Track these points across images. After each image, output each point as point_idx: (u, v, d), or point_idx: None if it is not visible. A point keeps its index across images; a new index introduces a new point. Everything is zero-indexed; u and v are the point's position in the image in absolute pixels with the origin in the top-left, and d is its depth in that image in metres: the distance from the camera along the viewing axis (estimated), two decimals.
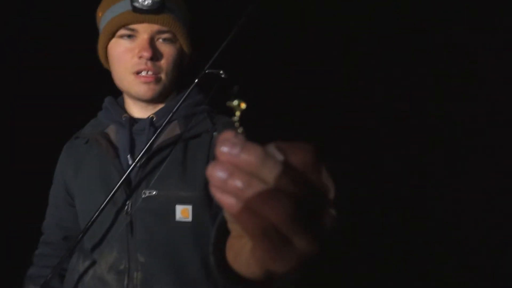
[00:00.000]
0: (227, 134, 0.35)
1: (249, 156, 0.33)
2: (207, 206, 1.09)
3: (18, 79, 2.10)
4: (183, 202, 1.08)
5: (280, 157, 0.35)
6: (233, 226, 0.43)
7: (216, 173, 0.34)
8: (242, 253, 0.42)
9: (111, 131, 1.19)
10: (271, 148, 0.36)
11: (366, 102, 2.84)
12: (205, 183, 1.09)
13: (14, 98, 2.07)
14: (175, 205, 1.08)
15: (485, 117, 2.69)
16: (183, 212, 1.08)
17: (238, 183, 0.33)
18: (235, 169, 0.34)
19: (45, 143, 1.69)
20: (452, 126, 2.83)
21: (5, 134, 2.02)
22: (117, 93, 1.26)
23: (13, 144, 2.05)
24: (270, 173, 0.34)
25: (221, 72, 1.03)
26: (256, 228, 0.34)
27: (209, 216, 1.10)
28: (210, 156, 1.12)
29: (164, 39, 1.13)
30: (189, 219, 1.08)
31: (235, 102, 0.37)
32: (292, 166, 0.36)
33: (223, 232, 0.48)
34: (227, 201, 0.34)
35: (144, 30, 1.10)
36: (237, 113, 0.37)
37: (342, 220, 0.40)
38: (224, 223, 0.47)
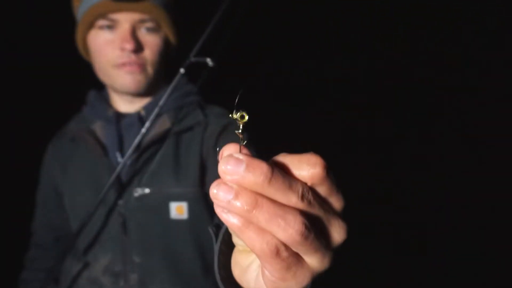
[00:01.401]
0: (230, 148, 0.34)
1: (254, 175, 0.32)
2: (203, 202, 1.06)
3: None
4: (177, 199, 1.04)
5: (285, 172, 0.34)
6: (238, 241, 0.41)
7: (220, 194, 0.32)
8: (250, 271, 0.40)
9: (98, 127, 1.13)
10: (276, 162, 0.34)
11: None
12: (200, 178, 1.06)
13: None
14: (169, 202, 1.04)
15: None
16: (178, 209, 1.04)
17: (244, 204, 0.32)
18: (240, 189, 0.32)
19: (27, 141, 1.63)
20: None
21: None
22: (100, 86, 1.20)
23: None
24: (277, 191, 0.32)
25: (208, 59, 0.97)
26: (264, 247, 0.33)
27: (206, 213, 1.06)
28: (203, 150, 1.07)
29: (147, 29, 1.06)
30: (185, 216, 1.04)
31: (238, 114, 0.35)
32: (299, 180, 0.34)
33: (227, 245, 0.46)
34: (232, 221, 0.33)
35: (124, 19, 1.02)
36: (241, 125, 0.36)
37: (351, 231, 0.38)
38: (228, 235, 0.46)
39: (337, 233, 0.36)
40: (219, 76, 0.95)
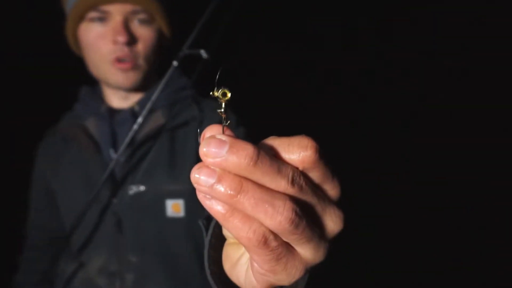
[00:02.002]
0: (213, 129, 0.32)
1: (238, 157, 0.29)
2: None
3: None
4: (173, 196, 1.01)
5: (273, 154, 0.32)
6: (228, 232, 0.39)
7: (202, 179, 0.30)
8: (240, 264, 0.38)
9: (90, 124, 1.10)
10: (264, 145, 0.32)
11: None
12: None
13: None
14: (165, 200, 1.01)
15: None
16: (174, 207, 1.01)
17: (227, 188, 0.29)
18: (223, 172, 0.30)
19: (18, 141, 1.59)
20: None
21: None
22: (92, 82, 1.16)
23: None
24: (264, 174, 0.30)
25: (202, 51, 0.95)
26: (250, 236, 0.30)
27: (204, 210, 1.03)
28: (199, 144, 1.04)
29: (140, 20, 1.02)
30: (181, 214, 1.02)
31: (220, 92, 0.33)
32: (289, 164, 0.31)
33: (218, 238, 0.43)
34: (216, 208, 0.31)
35: (116, 11, 0.99)
36: (223, 104, 0.33)
37: (347, 221, 0.35)
38: (219, 228, 0.43)
39: (333, 222, 0.34)
40: (214, 68, 0.92)
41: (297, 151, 0.32)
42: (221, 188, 0.29)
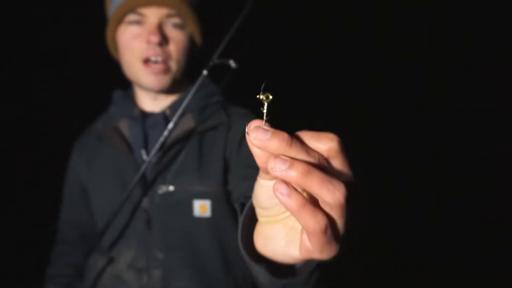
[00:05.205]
0: (256, 122, 0.39)
1: (278, 140, 0.36)
2: (226, 201, 1.07)
3: (23, 74, 2.08)
4: (201, 197, 1.05)
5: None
6: (262, 213, 0.47)
7: (278, 165, 0.36)
8: (276, 240, 0.45)
9: (123, 126, 1.16)
10: (297, 134, 0.39)
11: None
12: (224, 177, 1.07)
13: (18, 95, 2.05)
14: (192, 200, 1.05)
15: None
16: (201, 208, 1.05)
17: (299, 170, 0.36)
18: (293, 160, 0.37)
19: (54, 139, 1.67)
20: None
21: (13, 131, 2.02)
22: (125, 87, 1.23)
23: (20, 142, 2.05)
24: (297, 154, 0.37)
25: (231, 61, 0.99)
26: (316, 226, 0.38)
27: (229, 212, 1.07)
28: (227, 151, 1.08)
29: (174, 24, 1.08)
30: (208, 214, 1.05)
31: (263, 96, 0.42)
32: (316, 150, 0.39)
33: (250, 219, 0.51)
34: (291, 204, 0.37)
35: (152, 14, 1.05)
36: (265, 105, 0.41)
37: (362, 209, 0.43)
38: (251, 211, 0.51)
39: (351, 205, 0.40)
40: (242, 77, 0.98)
41: (325, 142, 0.39)
42: (292, 172, 0.36)
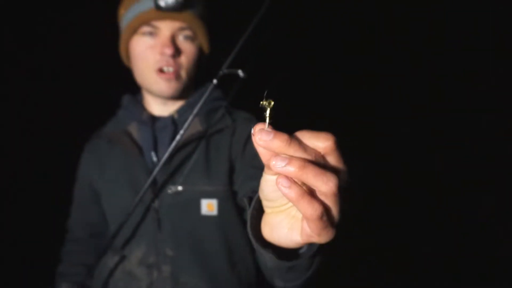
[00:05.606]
0: (260, 125, 0.45)
1: (279, 140, 0.43)
2: (231, 200, 1.12)
3: (36, 80, 2.13)
4: (208, 196, 1.11)
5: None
6: (268, 204, 0.54)
7: (278, 163, 0.43)
8: (280, 227, 0.53)
9: (133, 129, 1.21)
10: (298, 134, 0.46)
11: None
12: (229, 178, 1.12)
13: (31, 99, 2.11)
14: (200, 199, 1.11)
15: None
16: (208, 206, 1.10)
17: (296, 165, 0.42)
18: (291, 157, 0.43)
19: (63, 142, 1.71)
20: None
21: (24, 134, 2.07)
22: (133, 91, 1.28)
23: (30, 144, 2.10)
24: (295, 152, 0.44)
25: (240, 71, 1.04)
26: (313, 213, 0.44)
27: (234, 210, 1.13)
28: (232, 153, 1.14)
29: (185, 36, 1.14)
30: (215, 213, 1.11)
31: (265, 102, 0.48)
32: (312, 148, 0.45)
33: (257, 210, 0.58)
34: (291, 195, 0.43)
35: (165, 27, 1.11)
36: (268, 110, 0.47)
37: (355, 200, 0.50)
38: (258, 204, 0.58)
39: (345, 195, 0.47)
40: (248, 85, 1.04)
41: (322, 140, 0.45)
42: (291, 167, 0.43)
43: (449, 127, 3.05)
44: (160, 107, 1.23)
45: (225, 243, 1.13)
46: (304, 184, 0.45)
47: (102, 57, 1.34)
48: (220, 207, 1.11)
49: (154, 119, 1.21)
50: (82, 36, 2.00)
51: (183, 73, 1.16)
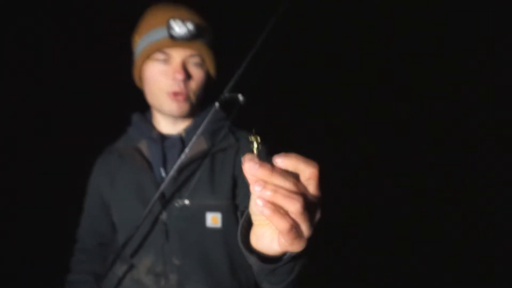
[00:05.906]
0: (249, 157, 0.54)
1: (263, 170, 0.52)
2: (234, 213, 1.21)
3: (50, 97, 2.24)
4: (213, 209, 1.19)
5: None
6: (255, 218, 0.63)
7: (256, 188, 0.52)
8: (264, 238, 0.62)
9: (143, 146, 1.28)
10: (282, 160, 0.54)
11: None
12: (232, 193, 1.21)
13: (50, 118, 2.22)
14: (205, 212, 1.19)
15: None
16: (213, 219, 1.18)
17: (269, 190, 0.51)
18: (265, 184, 0.52)
19: (75, 155, 1.80)
20: None
21: (41, 149, 2.17)
22: (141, 110, 1.36)
23: (44, 155, 2.21)
24: (277, 179, 0.52)
25: (239, 95, 1.12)
26: (284, 226, 0.52)
27: (237, 223, 1.20)
28: (235, 171, 1.23)
29: (195, 63, 1.23)
30: (219, 225, 1.19)
31: (253, 137, 0.57)
32: (291, 174, 0.54)
33: (247, 222, 0.67)
34: (266, 212, 0.52)
35: (177, 54, 1.20)
36: (255, 143, 0.56)
37: (324, 219, 0.59)
38: (248, 217, 0.67)
39: (316, 213, 0.56)
40: (248, 109, 1.13)
41: (310, 166, 0.53)
42: (267, 192, 0.51)
43: (449, 127, 3.07)
44: (169, 126, 1.31)
45: (228, 253, 1.21)
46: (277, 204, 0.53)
47: (115, 78, 1.42)
48: (224, 220, 1.19)
49: (163, 137, 1.29)
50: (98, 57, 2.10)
51: (192, 96, 1.24)
